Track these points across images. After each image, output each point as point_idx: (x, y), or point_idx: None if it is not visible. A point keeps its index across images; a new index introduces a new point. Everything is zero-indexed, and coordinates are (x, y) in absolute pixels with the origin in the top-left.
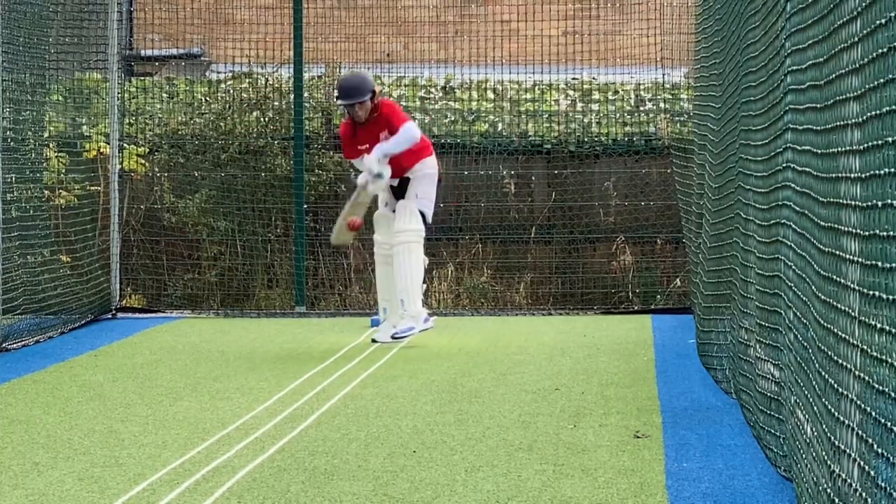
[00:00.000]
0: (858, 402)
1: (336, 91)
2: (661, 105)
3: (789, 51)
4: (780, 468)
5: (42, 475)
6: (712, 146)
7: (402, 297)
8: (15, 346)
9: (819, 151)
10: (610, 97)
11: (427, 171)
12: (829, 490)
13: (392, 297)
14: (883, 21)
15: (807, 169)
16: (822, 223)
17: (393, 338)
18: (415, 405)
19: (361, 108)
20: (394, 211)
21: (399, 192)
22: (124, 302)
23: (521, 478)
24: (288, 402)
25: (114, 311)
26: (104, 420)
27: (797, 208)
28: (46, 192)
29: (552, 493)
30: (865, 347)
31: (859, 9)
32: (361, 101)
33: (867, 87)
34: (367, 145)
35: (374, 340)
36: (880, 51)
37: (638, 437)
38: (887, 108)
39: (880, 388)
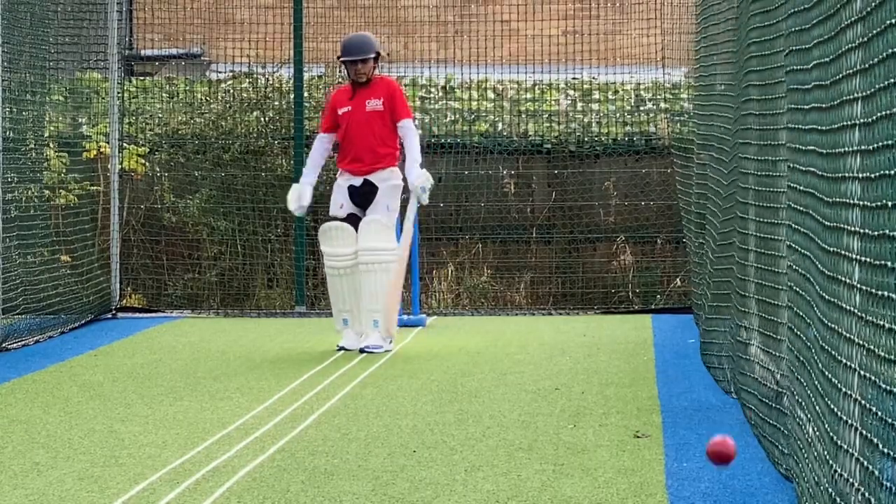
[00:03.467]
0: (862, 402)
1: (340, 49)
2: (662, 105)
3: (793, 51)
4: (781, 468)
5: (42, 475)
6: (719, 145)
7: (378, 319)
8: (15, 346)
9: (824, 151)
10: (610, 97)
11: (396, 182)
12: (829, 489)
13: (356, 307)
14: (893, 21)
15: (811, 169)
16: (827, 223)
17: (362, 351)
18: (415, 405)
19: (364, 66)
20: (347, 220)
21: (362, 196)
22: (124, 302)
23: (521, 478)
24: (288, 402)
25: (114, 311)
26: (104, 420)
27: (801, 208)
28: (46, 192)
29: (552, 493)
30: (872, 347)
31: (868, 9)
32: (365, 59)
33: (876, 87)
34: (350, 108)
35: (341, 348)
36: (890, 51)
37: (638, 437)
38: None
39: (886, 387)
